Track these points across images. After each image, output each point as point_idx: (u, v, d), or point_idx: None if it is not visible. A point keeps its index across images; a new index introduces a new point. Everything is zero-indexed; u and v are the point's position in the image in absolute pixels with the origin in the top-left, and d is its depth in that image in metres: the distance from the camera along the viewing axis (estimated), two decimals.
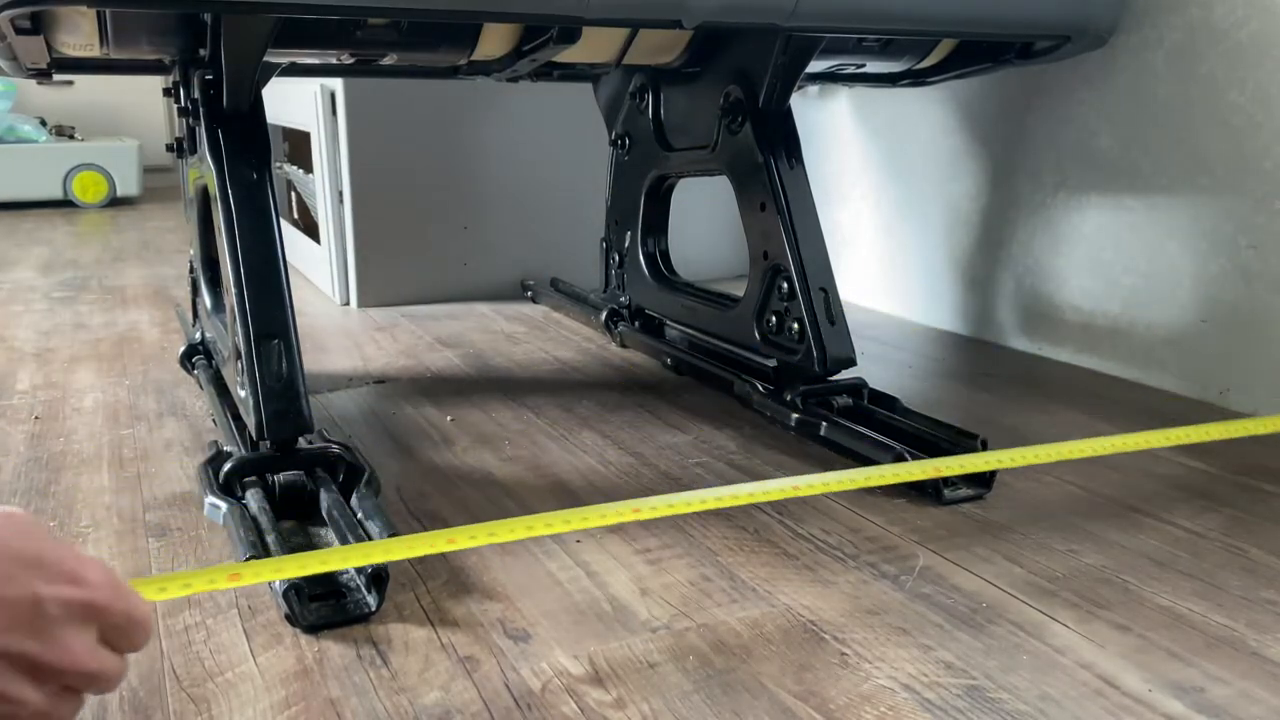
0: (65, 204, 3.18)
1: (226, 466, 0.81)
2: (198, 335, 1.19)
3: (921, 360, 1.34)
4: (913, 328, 1.52)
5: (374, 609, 0.66)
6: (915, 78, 1.23)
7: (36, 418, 1.06)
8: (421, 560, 0.72)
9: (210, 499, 0.78)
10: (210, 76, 0.90)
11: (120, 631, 0.45)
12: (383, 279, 1.66)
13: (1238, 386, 1.11)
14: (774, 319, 1.09)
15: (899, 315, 1.60)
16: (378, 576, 0.66)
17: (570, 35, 0.90)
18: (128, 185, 3.25)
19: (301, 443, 0.84)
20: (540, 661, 0.61)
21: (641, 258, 1.38)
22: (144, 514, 0.82)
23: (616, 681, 0.59)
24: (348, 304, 1.67)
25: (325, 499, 0.78)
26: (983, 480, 0.86)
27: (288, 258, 0.88)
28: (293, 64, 1.05)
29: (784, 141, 1.08)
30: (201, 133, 0.92)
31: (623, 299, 1.43)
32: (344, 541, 0.71)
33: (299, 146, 1.96)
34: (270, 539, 0.71)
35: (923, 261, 1.54)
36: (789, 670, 0.60)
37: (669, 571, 0.72)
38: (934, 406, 1.06)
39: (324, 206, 1.69)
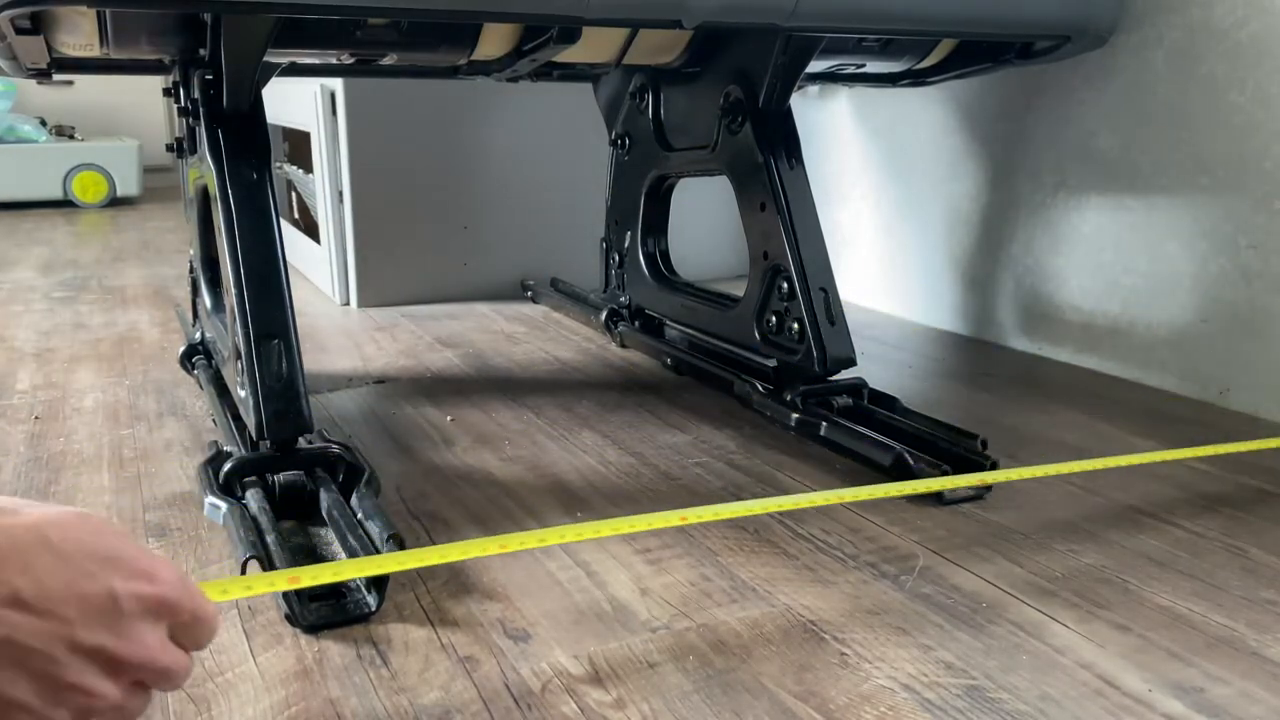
0: (65, 204, 3.18)
1: (226, 466, 0.81)
2: (198, 335, 1.19)
3: (921, 360, 1.34)
4: (913, 328, 1.52)
5: (374, 609, 0.66)
6: (915, 78, 1.23)
7: (36, 418, 1.06)
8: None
9: (210, 499, 0.78)
10: (210, 76, 0.90)
11: (188, 629, 0.46)
12: (383, 279, 1.66)
13: (1238, 386, 1.11)
14: (774, 319, 1.09)
15: (899, 315, 1.60)
16: (378, 577, 0.66)
17: (570, 35, 0.90)
18: (128, 185, 3.25)
19: (301, 443, 0.84)
20: (540, 661, 0.61)
21: (641, 258, 1.38)
22: (144, 514, 0.82)
23: (616, 681, 0.59)
24: (348, 304, 1.67)
25: (325, 499, 0.78)
26: None
27: (288, 258, 0.88)
28: (293, 64, 1.05)
29: (784, 141, 1.08)
30: (201, 133, 0.92)
31: (623, 299, 1.43)
32: (344, 541, 0.71)
33: (299, 146, 1.96)
34: (270, 539, 0.71)
35: (923, 261, 1.54)
36: (789, 670, 0.60)
37: (669, 571, 0.72)
38: (934, 406, 1.06)
39: (324, 206, 1.69)
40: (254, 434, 0.83)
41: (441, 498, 0.86)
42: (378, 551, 0.69)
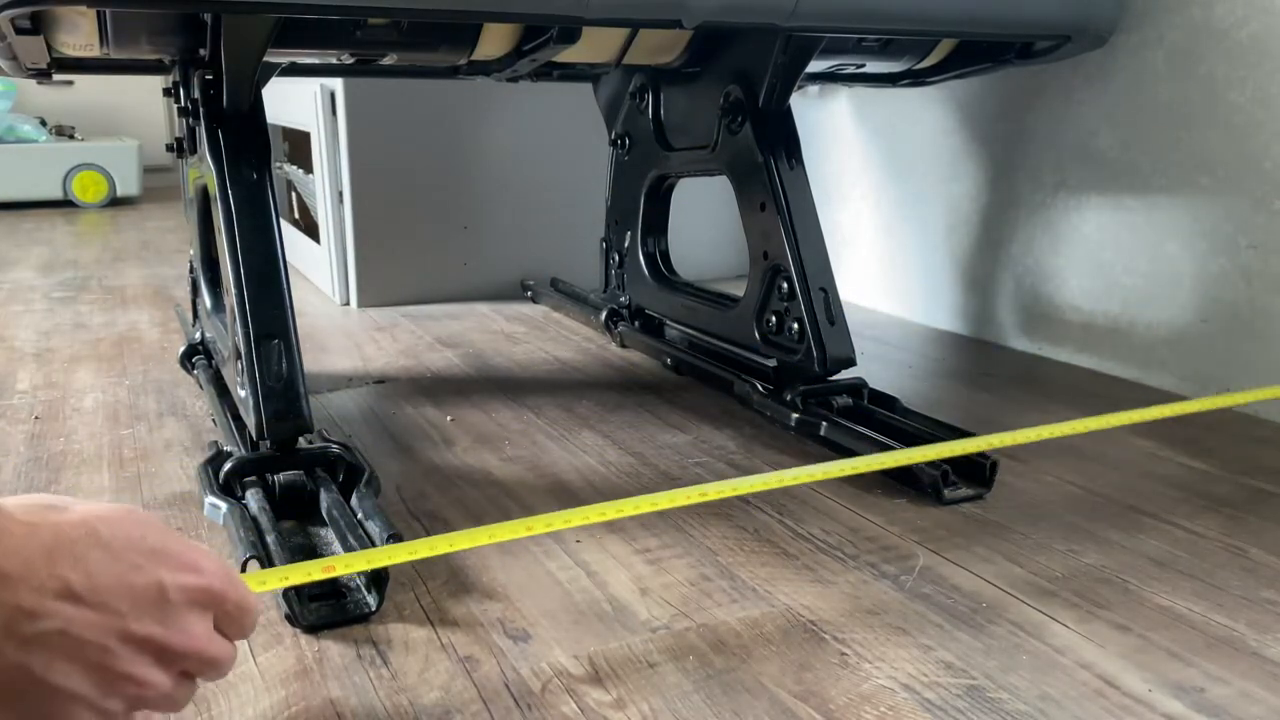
0: (65, 204, 3.18)
1: (226, 466, 0.81)
2: (198, 335, 1.19)
3: (921, 360, 1.34)
4: (913, 328, 1.52)
5: (374, 609, 0.66)
6: (915, 78, 1.23)
7: (36, 418, 1.06)
8: (422, 560, 0.72)
9: (210, 499, 0.78)
10: (210, 76, 0.90)
11: (232, 619, 0.48)
12: (383, 279, 1.66)
13: (1238, 386, 1.11)
14: (774, 319, 1.09)
15: (899, 315, 1.60)
16: (378, 576, 0.66)
17: (570, 35, 0.90)
18: (128, 185, 3.24)
19: (301, 443, 0.84)
20: (540, 661, 0.61)
21: (641, 258, 1.38)
22: None
23: (616, 681, 0.59)
24: (348, 304, 1.67)
25: (325, 499, 0.78)
26: (983, 480, 0.86)
27: (288, 258, 0.88)
28: (293, 64, 1.05)
29: (784, 141, 1.08)
30: (201, 133, 0.92)
31: (623, 299, 1.43)
32: (344, 541, 0.71)
33: (299, 146, 1.96)
34: (270, 539, 0.71)
35: (923, 261, 1.54)
36: (789, 670, 0.60)
37: (669, 571, 0.72)
38: (934, 406, 1.06)
39: (324, 206, 1.69)
40: (254, 434, 0.83)
41: (441, 498, 0.86)
42: None
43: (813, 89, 1.72)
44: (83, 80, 3.86)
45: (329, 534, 0.76)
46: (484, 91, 1.64)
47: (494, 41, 0.98)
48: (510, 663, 0.61)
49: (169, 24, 0.89)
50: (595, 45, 1.07)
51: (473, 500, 0.86)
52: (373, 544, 0.70)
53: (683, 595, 0.69)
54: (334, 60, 1.01)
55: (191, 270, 1.20)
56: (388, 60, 0.99)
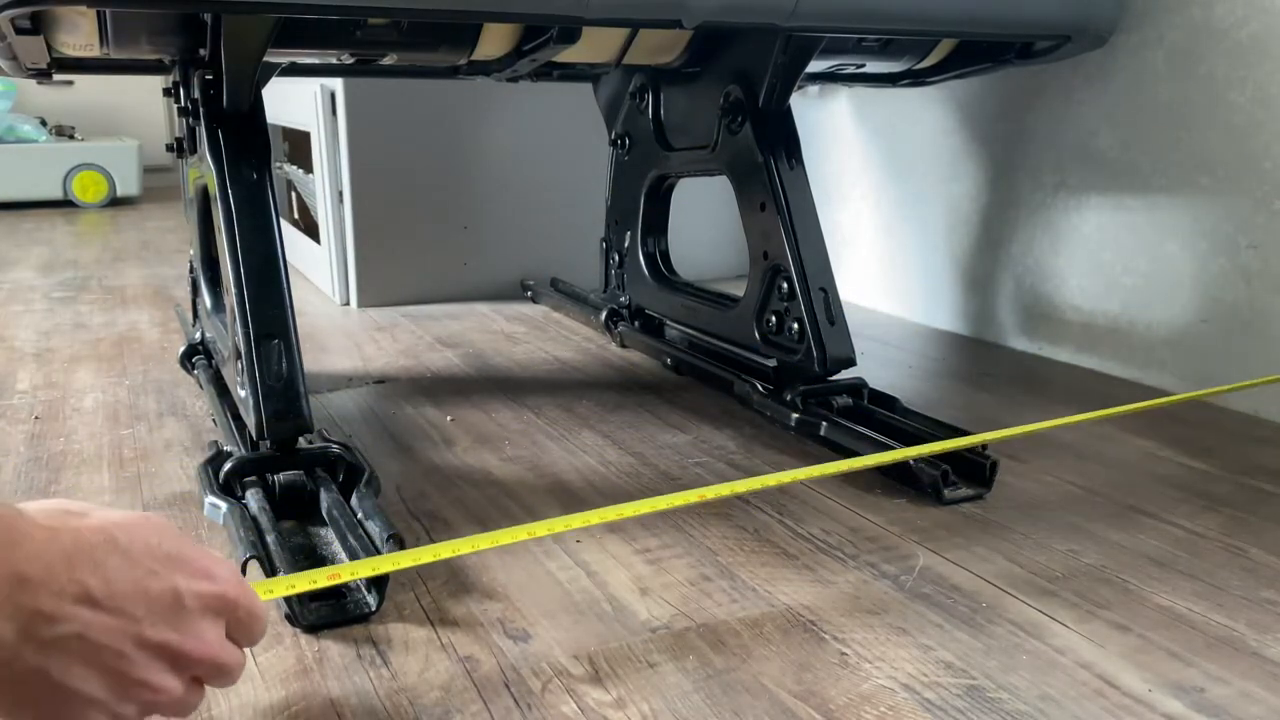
0: (65, 204, 3.18)
1: (226, 466, 0.81)
2: (198, 335, 1.19)
3: (921, 360, 1.34)
4: (913, 328, 1.52)
5: (374, 609, 0.66)
6: (915, 78, 1.23)
7: (36, 418, 1.06)
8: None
9: (210, 499, 0.78)
10: (210, 76, 0.90)
11: (243, 626, 0.49)
12: (383, 279, 1.66)
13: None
14: (774, 319, 1.09)
15: (899, 315, 1.60)
16: (378, 577, 0.66)
17: (570, 35, 0.90)
18: (128, 185, 3.24)
19: (301, 443, 0.84)
20: (540, 661, 0.61)
21: (641, 258, 1.38)
22: None
23: (616, 681, 0.59)
24: (348, 304, 1.67)
25: (325, 499, 0.78)
26: (983, 480, 0.86)
27: (288, 258, 0.88)
28: (293, 64, 1.05)
29: (784, 141, 1.08)
30: (201, 133, 0.92)
31: (623, 299, 1.43)
32: (344, 541, 0.71)
33: (299, 146, 1.96)
34: (270, 539, 0.71)
35: (923, 261, 1.54)
36: (789, 670, 0.60)
37: (669, 571, 0.72)
38: (934, 406, 1.06)
39: (324, 206, 1.69)
40: (254, 434, 0.83)
41: (441, 498, 0.86)
42: (378, 551, 0.69)
43: (813, 89, 1.72)
44: (83, 80, 3.85)
45: (329, 534, 0.76)
46: (484, 91, 1.64)
47: (494, 41, 0.98)
48: (510, 663, 0.61)
49: (169, 24, 0.89)
50: (595, 45, 1.07)
51: (473, 500, 0.86)
52: (373, 544, 0.70)
53: (683, 595, 0.69)
54: (334, 60, 1.01)
55: (191, 270, 1.20)
56: (388, 60, 0.99)
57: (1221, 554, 0.76)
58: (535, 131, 1.70)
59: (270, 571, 0.66)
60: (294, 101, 1.74)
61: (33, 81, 1.63)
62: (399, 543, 0.69)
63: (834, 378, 1.04)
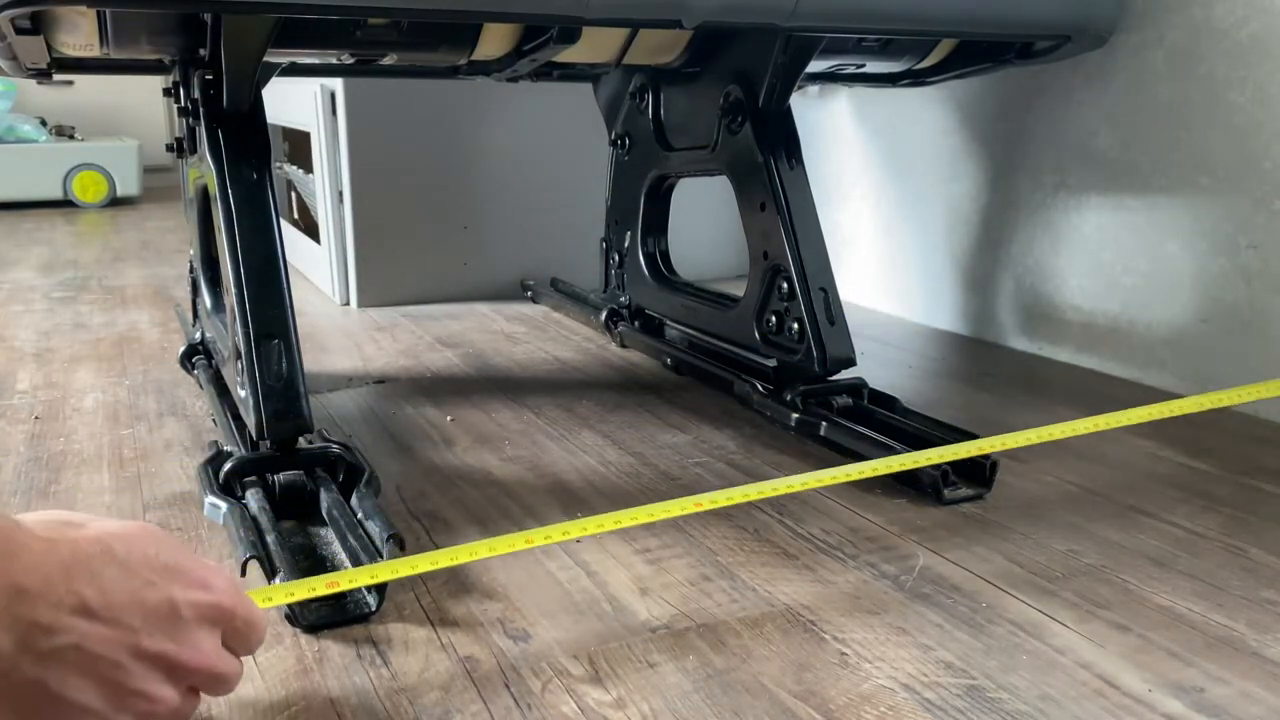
0: (65, 204, 3.18)
1: (226, 466, 0.81)
2: (198, 335, 1.19)
3: (921, 360, 1.34)
4: (913, 328, 1.52)
5: (374, 609, 0.66)
6: (915, 78, 1.23)
7: (36, 418, 1.06)
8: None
9: (210, 499, 0.78)
10: (210, 76, 0.90)
11: (240, 635, 0.49)
12: (383, 279, 1.66)
13: (1238, 387, 1.11)
14: (774, 319, 1.09)
15: (899, 315, 1.60)
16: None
17: (570, 35, 0.90)
18: (128, 185, 3.24)
19: (301, 443, 0.84)
20: (540, 661, 0.61)
21: (641, 258, 1.38)
22: (144, 514, 0.82)
23: (616, 681, 0.59)
24: (348, 304, 1.67)
25: (325, 499, 0.78)
26: (983, 480, 0.86)
27: (288, 258, 0.88)
28: (293, 64, 1.05)
29: (784, 141, 1.08)
30: (201, 133, 0.92)
31: (623, 299, 1.43)
32: (344, 542, 0.72)
33: (299, 146, 1.96)
34: (270, 539, 0.71)
35: (923, 261, 1.54)
36: (789, 670, 0.60)
37: (669, 571, 0.72)
38: (934, 406, 1.06)
39: (324, 206, 1.69)
40: (254, 434, 0.83)
41: (441, 498, 0.86)
42: (378, 551, 0.69)
43: (813, 89, 1.72)
44: (83, 80, 3.86)
45: (329, 534, 0.76)
46: (484, 91, 1.64)
47: (494, 41, 0.98)
48: (510, 663, 0.61)
49: (169, 24, 0.89)
50: (595, 45, 1.07)
51: (473, 500, 0.86)
52: (373, 544, 0.70)
53: (683, 595, 0.69)
54: (334, 60, 1.01)
55: (191, 270, 1.20)
56: (388, 60, 0.99)
57: (1221, 554, 0.76)
58: (535, 131, 1.70)
59: (270, 571, 0.66)
60: (294, 101, 1.74)
61: (33, 81, 1.63)
62: (399, 543, 0.69)
63: (834, 378, 1.04)
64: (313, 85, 1.62)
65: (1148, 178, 1.19)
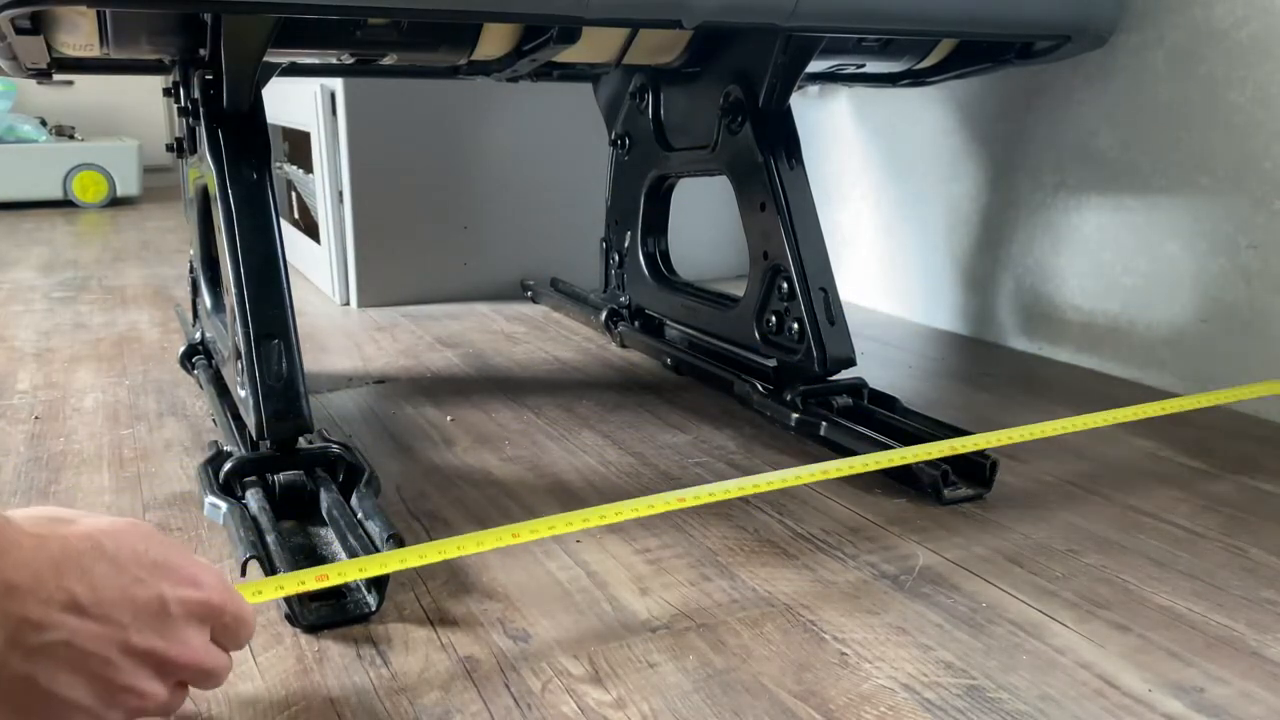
0: (65, 204, 3.18)
1: (226, 466, 0.81)
2: (198, 335, 1.19)
3: (921, 360, 1.34)
4: (913, 328, 1.52)
5: (374, 609, 0.66)
6: (915, 78, 1.23)
7: (36, 418, 1.06)
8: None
9: (210, 499, 0.78)
10: (210, 76, 0.90)
11: (229, 631, 0.49)
12: (383, 279, 1.66)
13: (1238, 387, 1.11)
14: (774, 319, 1.09)
15: (899, 315, 1.60)
16: (378, 577, 0.66)
17: (570, 35, 0.90)
18: (128, 185, 3.24)
19: (301, 443, 0.84)
20: (540, 661, 0.61)
21: (641, 258, 1.38)
22: (144, 514, 0.82)
23: (616, 681, 0.59)
24: (348, 304, 1.67)
25: (325, 499, 0.78)
26: (983, 480, 0.86)
27: (288, 258, 0.88)
28: (293, 64, 1.05)
29: (784, 141, 1.08)
30: (201, 133, 0.92)
31: (623, 299, 1.43)
32: (344, 542, 0.71)
33: (299, 146, 1.96)
34: (270, 539, 0.71)
35: (923, 261, 1.54)
36: (789, 670, 0.60)
37: (669, 571, 0.72)
38: (934, 406, 1.06)
39: (324, 206, 1.69)
40: (254, 434, 0.83)
41: (441, 498, 0.86)
42: (378, 551, 0.69)
43: (813, 89, 1.72)
44: (83, 80, 3.85)
45: (329, 534, 0.76)
46: (484, 91, 1.64)
47: (494, 41, 0.98)
48: (510, 663, 0.61)
49: (169, 24, 0.89)
50: (595, 45, 1.07)
51: (473, 500, 0.86)
52: (373, 544, 0.70)
53: (683, 595, 0.69)
54: (334, 60, 1.01)
55: (191, 270, 1.20)
56: (388, 60, 0.99)
57: (1221, 554, 0.76)
58: (535, 131, 1.70)
59: (270, 571, 0.66)
60: (294, 101, 1.74)
61: (33, 81, 1.63)
62: (399, 542, 0.69)
63: (834, 378, 1.04)
64: (313, 85, 1.62)
65: (1148, 178, 1.19)
